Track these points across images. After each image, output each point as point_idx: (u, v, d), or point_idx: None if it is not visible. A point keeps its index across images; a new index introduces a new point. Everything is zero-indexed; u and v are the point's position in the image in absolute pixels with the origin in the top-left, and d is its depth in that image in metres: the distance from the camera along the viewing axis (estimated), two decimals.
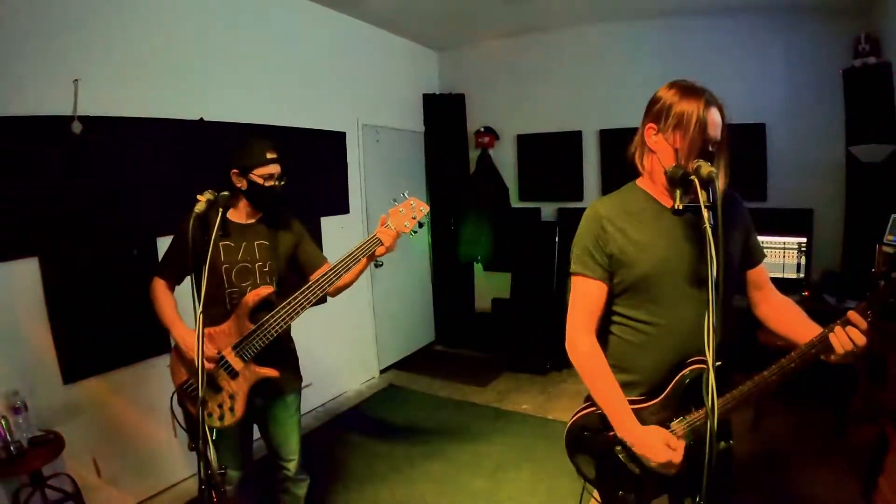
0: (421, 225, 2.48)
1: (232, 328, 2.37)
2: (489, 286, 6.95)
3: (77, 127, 3.14)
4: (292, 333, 2.72)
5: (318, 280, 2.35)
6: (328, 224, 5.09)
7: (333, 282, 2.37)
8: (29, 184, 3.00)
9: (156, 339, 3.35)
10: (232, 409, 2.37)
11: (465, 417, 4.85)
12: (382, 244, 2.39)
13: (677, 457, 1.66)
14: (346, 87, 5.41)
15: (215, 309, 2.41)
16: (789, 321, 1.83)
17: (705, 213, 1.48)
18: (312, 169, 4.95)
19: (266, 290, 2.37)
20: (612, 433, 1.79)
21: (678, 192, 1.59)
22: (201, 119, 3.86)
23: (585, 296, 1.88)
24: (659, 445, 1.67)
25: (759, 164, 5.25)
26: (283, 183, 2.51)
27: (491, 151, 6.65)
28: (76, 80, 3.13)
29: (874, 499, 2.96)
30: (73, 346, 3.19)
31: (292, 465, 2.72)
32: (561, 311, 5.78)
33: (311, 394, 4.84)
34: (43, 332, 3.08)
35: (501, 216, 6.57)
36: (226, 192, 2.15)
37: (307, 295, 2.33)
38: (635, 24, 5.85)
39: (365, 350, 5.80)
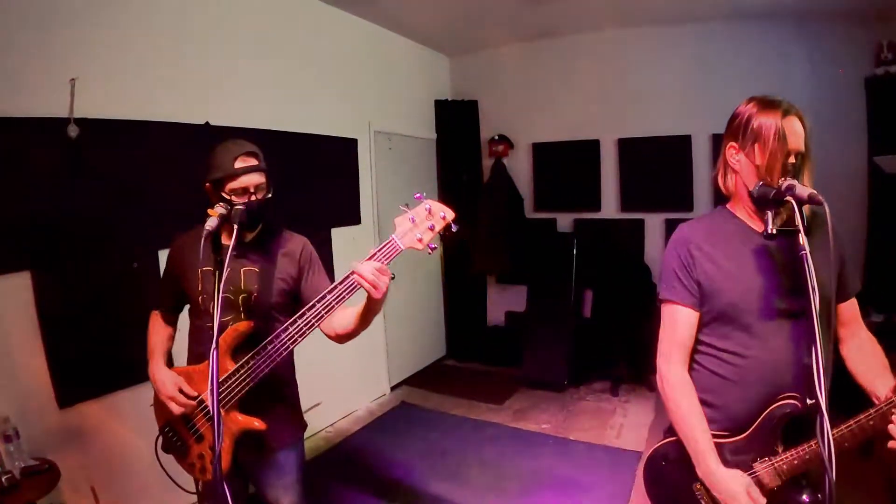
0: (443, 235, 1.84)
1: None
2: (502, 299, 6.80)
3: (73, 130, 2.93)
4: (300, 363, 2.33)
5: (295, 323, 1.89)
6: (339, 236, 4.89)
7: (296, 338, 1.89)
8: (21, 191, 2.79)
9: None
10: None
11: (483, 437, 4.65)
12: (369, 293, 1.79)
13: None
14: (358, 91, 5.25)
15: (198, 345, 2.14)
16: (866, 371, 1.73)
17: (802, 238, 1.40)
18: (323, 177, 4.77)
19: (243, 325, 1.99)
20: (693, 467, 1.70)
21: (769, 214, 1.50)
22: (207, 123, 3.66)
23: (674, 323, 1.81)
24: (740, 493, 1.58)
25: None
26: (268, 196, 2.04)
27: (505, 160, 6.50)
28: (73, 79, 2.92)
29: None
30: (69, 367, 2.97)
31: None
32: (578, 325, 5.73)
33: (320, 413, 4.69)
34: (36, 353, 2.86)
35: (516, 227, 6.40)
36: (240, 206, 1.85)
37: (284, 341, 1.90)
38: (655, 30, 5.73)
39: (375, 366, 5.59)
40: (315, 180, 4.66)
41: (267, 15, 4.25)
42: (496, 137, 6.43)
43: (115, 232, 3.16)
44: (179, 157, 3.37)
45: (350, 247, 4.93)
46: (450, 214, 1.78)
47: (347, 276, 1.80)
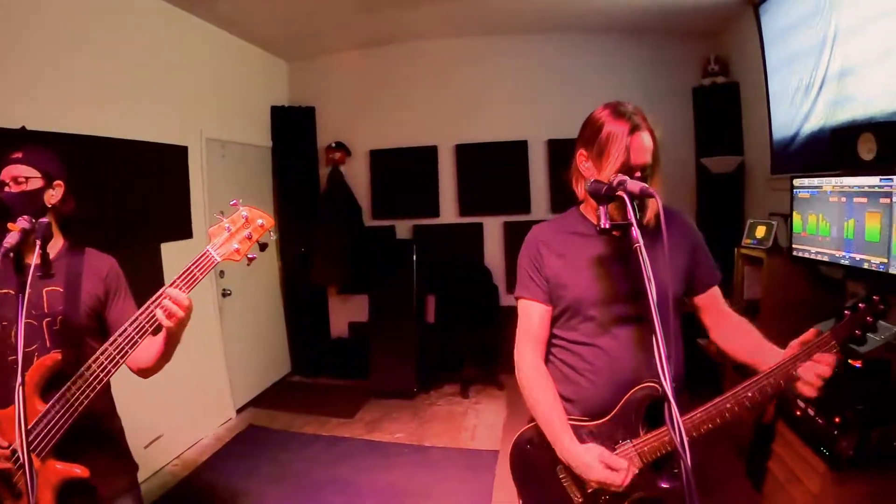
0: (263, 247, 1.74)
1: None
2: (344, 310, 6.68)
3: None
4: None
5: (98, 359, 1.66)
6: (169, 251, 4.48)
7: (110, 369, 1.67)
8: None
9: None
10: None
11: (337, 454, 4.49)
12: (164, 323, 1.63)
13: (618, 477, 1.59)
14: (190, 96, 4.85)
15: (1, 384, 1.77)
16: (747, 347, 1.77)
17: (635, 231, 1.44)
18: (151, 188, 4.35)
19: (51, 358, 1.72)
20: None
21: (602, 210, 1.53)
22: (23, 128, 3.20)
23: (528, 318, 1.87)
24: (594, 463, 1.61)
25: None
26: (28, 189, 1.81)
27: (342, 168, 6.37)
28: None
29: (765, 483, 3.14)
30: None
31: None
32: (422, 331, 5.76)
33: (164, 446, 4.27)
34: None
35: (355, 236, 6.29)
36: (46, 219, 1.61)
37: (96, 374, 1.66)
38: (493, 40, 5.94)
39: (218, 389, 5.20)
40: (142, 192, 4.24)
41: (93, 9, 3.81)
42: (333, 145, 6.29)
43: None
44: None
45: (182, 265, 4.49)
46: (268, 221, 1.72)
47: (145, 308, 1.65)
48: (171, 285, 1.63)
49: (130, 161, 4.12)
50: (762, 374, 1.54)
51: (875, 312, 1.45)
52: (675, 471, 1.61)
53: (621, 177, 1.53)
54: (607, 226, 1.50)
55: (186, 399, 4.64)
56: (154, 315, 1.63)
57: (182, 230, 4.74)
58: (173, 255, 4.47)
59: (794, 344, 1.53)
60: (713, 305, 1.88)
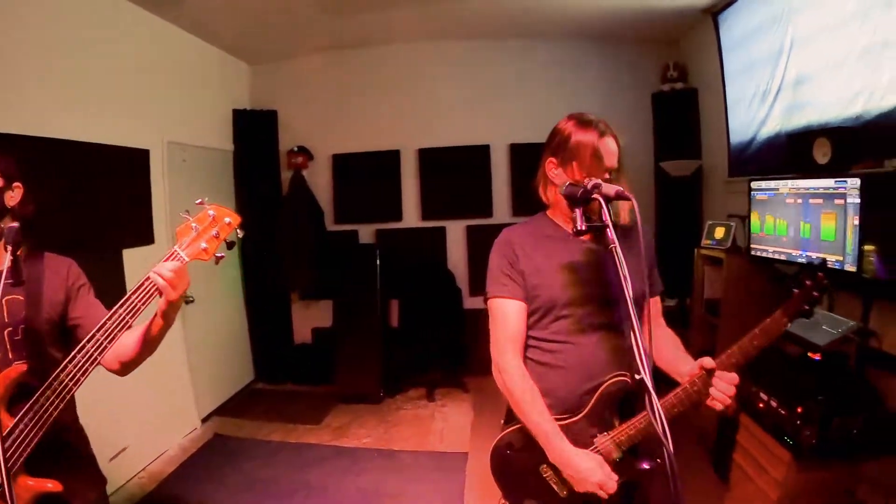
0: (230, 245, 1.69)
1: None
2: (307, 315, 6.61)
3: None
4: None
5: (74, 359, 1.58)
6: (131, 257, 4.36)
7: (79, 378, 1.58)
8: None
9: None
10: None
11: (305, 461, 4.45)
12: (162, 295, 1.59)
13: (612, 485, 1.65)
14: (152, 98, 4.72)
15: None
16: (664, 356, 1.92)
17: (610, 231, 1.50)
18: (111, 193, 4.21)
19: (15, 370, 1.62)
20: (538, 451, 1.77)
21: (578, 212, 1.58)
22: None
23: (505, 318, 1.87)
24: (595, 468, 1.67)
25: None
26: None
27: (304, 172, 6.31)
28: None
29: (731, 473, 3.26)
30: None
31: None
32: (387, 336, 5.76)
33: (129, 459, 4.16)
34: None
35: (317, 240, 6.24)
36: (14, 224, 1.55)
37: (65, 383, 1.57)
38: (456, 45, 5.99)
39: (182, 399, 5.07)
40: (102, 196, 4.11)
41: (53, 10, 3.70)
42: (295, 149, 6.23)
43: None
44: None
45: (145, 271, 4.35)
46: (235, 219, 1.67)
47: (133, 292, 1.59)
48: (138, 287, 1.59)
49: (90, 164, 4.00)
50: (686, 383, 1.69)
51: (820, 287, 1.56)
52: (654, 455, 1.71)
53: (596, 180, 1.58)
54: (584, 227, 1.55)
55: (151, 409, 4.51)
56: (133, 307, 1.57)
57: (144, 236, 4.63)
58: (135, 262, 4.34)
59: (697, 365, 1.68)
60: (652, 314, 1.96)
